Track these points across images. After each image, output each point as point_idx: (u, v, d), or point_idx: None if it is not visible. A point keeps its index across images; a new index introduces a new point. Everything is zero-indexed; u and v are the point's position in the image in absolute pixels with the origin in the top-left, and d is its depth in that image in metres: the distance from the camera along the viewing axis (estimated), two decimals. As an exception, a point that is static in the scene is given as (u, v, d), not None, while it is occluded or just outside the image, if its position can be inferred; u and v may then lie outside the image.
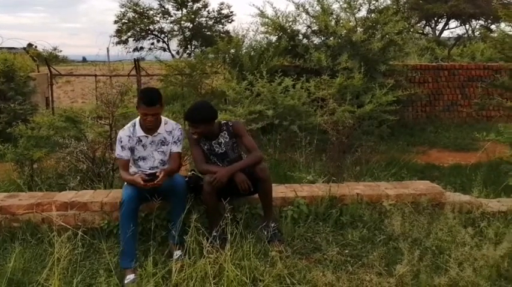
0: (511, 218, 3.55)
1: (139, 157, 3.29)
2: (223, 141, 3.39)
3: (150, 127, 3.22)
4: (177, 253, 2.96)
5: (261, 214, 3.43)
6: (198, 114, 3.26)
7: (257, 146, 3.44)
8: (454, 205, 3.62)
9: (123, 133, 3.26)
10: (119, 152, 3.25)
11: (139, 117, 3.30)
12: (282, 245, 3.12)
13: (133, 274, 2.82)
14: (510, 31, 7.04)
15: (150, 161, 3.30)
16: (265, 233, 3.22)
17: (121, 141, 3.24)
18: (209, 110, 3.32)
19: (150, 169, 3.26)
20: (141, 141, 3.27)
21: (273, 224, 3.22)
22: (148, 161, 3.30)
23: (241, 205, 3.47)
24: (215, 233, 2.97)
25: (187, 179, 3.38)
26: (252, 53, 8.68)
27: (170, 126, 3.32)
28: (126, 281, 2.77)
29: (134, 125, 3.29)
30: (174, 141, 3.31)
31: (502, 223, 3.42)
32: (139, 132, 3.25)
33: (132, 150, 3.27)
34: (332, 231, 3.44)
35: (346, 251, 3.15)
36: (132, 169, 3.31)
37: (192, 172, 3.56)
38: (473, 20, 19.25)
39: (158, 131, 3.27)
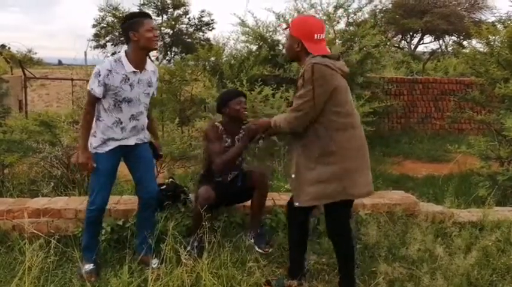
0: (481, 228, 3.66)
1: (124, 97, 2.79)
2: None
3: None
4: (154, 262, 2.92)
5: (239, 223, 3.45)
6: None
7: None
8: (427, 214, 3.70)
9: (102, 66, 2.73)
10: (94, 86, 2.73)
11: (124, 52, 2.81)
12: (270, 249, 3.23)
13: (92, 264, 2.87)
14: (480, 48, 7.29)
15: (136, 105, 2.85)
16: (252, 240, 3.28)
17: (99, 75, 2.72)
18: None
19: (131, 117, 2.86)
20: (128, 79, 2.78)
21: (258, 231, 3.30)
22: (133, 105, 2.84)
23: (219, 213, 3.46)
24: (195, 243, 2.97)
25: (165, 186, 3.35)
26: (233, 62, 8.70)
27: (152, 66, 2.96)
28: (85, 270, 2.81)
29: (119, 60, 2.78)
30: (155, 86, 3.01)
31: (472, 233, 3.52)
32: (128, 67, 2.76)
33: (111, 90, 2.75)
34: (309, 240, 3.45)
35: (323, 259, 3.18)
36: (108, 119, 2.81)
37: (171, 179, 3.54)
38: (446, 36, 19.85)
39: (146, 67, 2.86)
